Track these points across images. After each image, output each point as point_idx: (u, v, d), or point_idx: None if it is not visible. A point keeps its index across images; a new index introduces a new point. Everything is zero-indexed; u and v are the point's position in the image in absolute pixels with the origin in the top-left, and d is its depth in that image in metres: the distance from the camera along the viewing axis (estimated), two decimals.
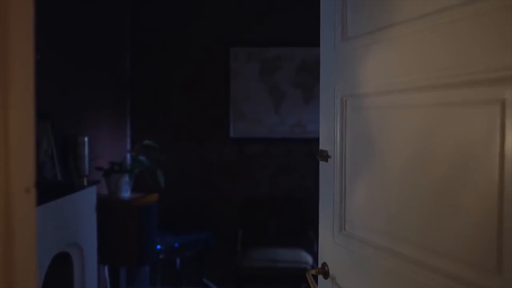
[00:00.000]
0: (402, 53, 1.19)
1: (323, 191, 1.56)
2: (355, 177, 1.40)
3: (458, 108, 1.03)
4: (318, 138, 1.58)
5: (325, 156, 1.51)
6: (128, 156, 4.15)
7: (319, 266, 1.54)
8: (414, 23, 1.14)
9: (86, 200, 3.17)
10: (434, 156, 1.09)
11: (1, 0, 0.60)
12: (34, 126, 0.71)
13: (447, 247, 1.05)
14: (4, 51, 0.63)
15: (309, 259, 3.87)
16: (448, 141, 1.05)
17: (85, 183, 3.11)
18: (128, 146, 4.51)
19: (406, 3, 1.18)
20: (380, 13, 1.28)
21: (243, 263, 3.86)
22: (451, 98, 1.04)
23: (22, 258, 0.69)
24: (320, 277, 1.52)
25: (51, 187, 2.74)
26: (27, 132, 0.70)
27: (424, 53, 1.11)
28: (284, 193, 4.57)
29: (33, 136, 0.72)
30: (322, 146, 1.55)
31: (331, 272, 1.49)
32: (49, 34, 2.87)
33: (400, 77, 1.20)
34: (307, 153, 4.45)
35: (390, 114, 1.26)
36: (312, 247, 3.89)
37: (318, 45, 1.57)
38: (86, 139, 3.17)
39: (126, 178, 3.49)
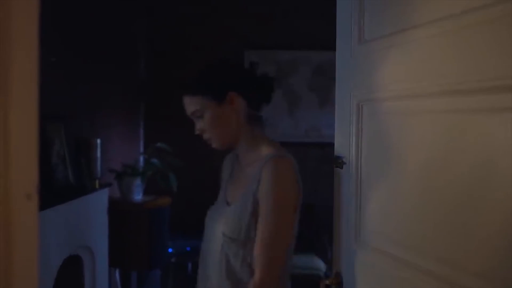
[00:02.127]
0: (420, 57, 1.14)
1: (338, 198, 1.51)
2: (371, 184, 1.35)
3: (479, 115, 0.98)
4: (334, 142, 1.54)
5: (340, 163, 1.47)
6: (141, 158, 4.13)
7: (333, 275, 1.49)
8: (431, 27, 1.10)
9: (98, 203, 3.15)
10: (453, 165, 1.04)
11: None
12: (38, 129, 0.67)
13: (465, 260, 1.00)
14: (5, 49, 0.60)
15: (322, 265, 3.81)
16: (468, 150, 1.00)
17: (97, 185, 3.09)
18: (141, 149, 4.49)
19: (424, 5, 1.14)
20: (398, 16, 1.23)
21: None
22: (472, 105, 1.00)
23: (22, 270, 0.65)
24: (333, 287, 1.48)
25: (62, 189, 2.72)
26: (30, 135, 0.66)
27: (442, 57, 1.07)
28: None
29: (36, 139, 0.68)
30: (338, 152, 1.50)
31: (344, 282, 1.44)
32: (63, 36, 2.86)
33: (418, 82, 1.15)
34: (322, 158, 4.39)
35: (407, 120, 1.21)
36: (326, 253, 3.83)
37: (334, 49, 1.53)
38: (98, 141, 3.15)
39: (138, 181, 3.46)
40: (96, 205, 3.11)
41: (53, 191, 2.61)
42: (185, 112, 1.55)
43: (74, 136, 3.02)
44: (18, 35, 0.61)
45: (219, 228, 1.51)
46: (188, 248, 3.92)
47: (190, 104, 1.52)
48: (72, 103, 3.04)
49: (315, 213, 4.32)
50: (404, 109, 1.22)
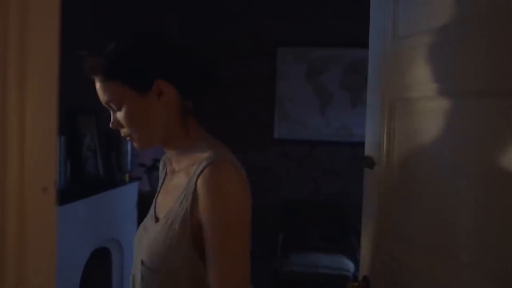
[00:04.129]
0: (456, 55, 1.09)
1: (367, 200, 1.47)
2: (402, 186, 1.30)
3: None
4: (364, 142, 1.49)
5: (371, 163, 1.42)
6: None
7: (360, 279, 1.45)
8: (470, 23, 1.04)
9: (127, 196, 3.18)
10: (491, 169, 0.99)
11: None
12: (57, 121, 0.66)
13: (500, 269, 0.94)
14: (23, 39, 0.58)
15: (351, 266, 3.75)
16: (506, 153, 0.94)
17: (127, 179, 3.12)
18: None
19: (463, 1, 1.08)
20: (435, 11, 1.18)
21: (282, 267, 3.78)
22: (510, 106, 0.93)
23: (38, 264, 0.64)
24: None
25: (92, 182, 2.75)
26: (47, 128, 0.65)
27: (481, 55, 1.01)
28: (327, 197, 4.46)
29: (54, 133, 0.67)
30: (368, 151, 1.46)
31: (372, 287, 1.40)
32: (96, 31, 2.89)
33: (454, 81, 1.10)
34: (352, 157, 4.32)
35: (442, 121, 1.15)
36: (354, 253, 3.76)
37: (367, 46, 1.48)
38: (130, 141, 3.18)
39: None
40: (125, 198, 3.14)
41: (83, 184, 2.64)
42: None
43: (105, 129, 3.05)
44: (37, 26, 0.60)
45: (140, 253, 1.18)
46: None
47: (104, 91, 1.13)
48: None
49: (345, 213, 4.27)
50: (439, 109, 1.16)
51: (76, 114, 2.68)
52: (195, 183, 1.07)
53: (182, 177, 1.16)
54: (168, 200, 1.18)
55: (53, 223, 0.67)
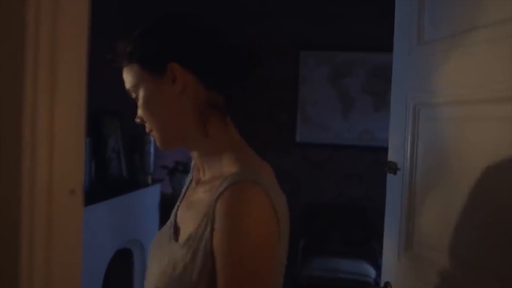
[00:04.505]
0: (483, 60, 1.07)
1: (389, 206, 1.45)
2: (425, 193, 1.29)
3: None
4: (387, 147, 1.48)
5: (394, 168, 1.41)
6: None
7: (382, 285, 1.44)
8: (495, 28, 1.02)
9: (150, 198, 3.21)
10: None
11: None
12: (85, 124, 0.67)
13: None
14: (53, 42, 0.59)
15: (372, 272, 3.72)
16: None
17: (149, 181, 3.15)
18: None
19: (488, 6, 1.07)
20: (460, 16, 1.16)
21: (302, 272, 3.76)
22: None
23: (65, 264, 0.65)
24: None
25: (116, 183, 2.79)
26: (76, 130, 0.66)
27: (506, 60, 0.99)
28: (349, 201, 4.43)
29: (82, 136, 0.68)
30: (391, 157, 1.44)
31: None
32: (122, 34, 2.92)
33: (480, 87, 1.08)
34: (375, 162, 4.29)
35: (467, 127, 1.14)
36: (375, 258, 3.73)
37: (391, 50, 1.47)
38: (152, 138, 3.21)
39: None
40: (147, 200, 3.17)
41: (107, 185, 2.68)
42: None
43: (129, 132, 3.09)
44: (66, 30, 0.61)
45: (153, 277, 0.99)
46: None
47: (126, 77, 1.02)
48: (129, 100, 3.10)
49: (366, 217, 4.23)
50: (464, 115, 1.15)
51: (101, 116, 2.72)
52: (214, 205, 0.89)
53: (206, 192, 0.98)
54: (189, 218, 1.00)
55: (79, 225, 0.68)
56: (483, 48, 1.07)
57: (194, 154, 1.06)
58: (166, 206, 3.40)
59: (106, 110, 2.74)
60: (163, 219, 3.34)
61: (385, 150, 1.48)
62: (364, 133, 4.40)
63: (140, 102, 1.00)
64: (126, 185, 2.88)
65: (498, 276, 1.00)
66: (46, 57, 0.58)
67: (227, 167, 0.95)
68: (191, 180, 1.17)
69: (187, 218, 1.03)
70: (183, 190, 1.19)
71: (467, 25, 1.13)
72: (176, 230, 1.05)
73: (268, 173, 0.96)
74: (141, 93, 0.99)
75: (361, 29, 4.34)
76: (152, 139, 3.19)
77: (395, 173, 1.41)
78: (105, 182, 2.68)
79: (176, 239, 1.01)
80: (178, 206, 1.14)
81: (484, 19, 1.08)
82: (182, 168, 3.50)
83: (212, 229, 0.89)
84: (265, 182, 0.89)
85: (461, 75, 1.16)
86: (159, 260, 1.00)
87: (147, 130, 1.03)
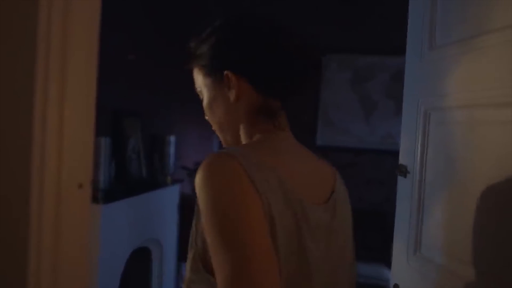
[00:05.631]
0: (493, 64, 1.07)
1: (399, 209, 1.46)
2: (434, 196, 1.29)
3: None
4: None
5: (404, 171, 1.42)
6: None
7: (391, 287, 1.44)
8: (506, 33, 1.03)
9: (169, 198, 3.25)
10: None
11: None
12: (94, 120, 0.70)
13: None
14: (63, 41, 0.62)
15: (390, 276, 3.69)
16: None
17: (169, 181, 3.19)
18: (215, 147, 4.58)
19: (499, 10, 1.07)
20: (471, 21, 1.17)
21: None
22: None
23: (72, 256, 0.68)
24: None
25: (135, 183, 2.84)
26: (85, 125, 0.69)
27: None
28: (369, 206, 4.41)
29: (92, 131, 0.70)
30: (402, 160, 1.45)
31: None
32: (142, 36, 2.98)
33: (490, 91, 1.08)
34: (396, 167, 4.26)
35: (478, 131, 1.14)
36: None
37: None
38: (173, 138, 3.25)
39: None
40: (167, 200, 3.21)
41: (127, 184, 2.73)
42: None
43: (150, 132, 3.14)
44: (76, 32, 0.64)
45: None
46: None
47: (195, 78, 1.06)
48: (150, 101, 3.16)
49: (387, 222, 4.20)
50: (474, 119, 1.15)
51: (122, 116, 2.77)
52: None
53: None
54: None
55: (87, 218, 0.71)
56: (494, 52, 1.08)
57: None
58: (186, 207, 3.44)
59: (127, 110, 2.80)
60: (183, 220, 3.38)
61: None
62: (386, 137, 4.37)
63: (204, 104, 1.04)
64: (146, 184, 2.93)
65: (507, 280, 1.00)
66: (57, 53, 0.60)
67: None
68: None
69: None
70: None
71: (478, 30, 1.14)
72: None
73: (270, 161, 0.88)
74: (205, 96, 1.03)
75: (383, 33, 4.32)
76: (172, 139, 3.23)
77: (405, 176, 1.41)
78: (125, 182, 2.73)
79: None
80: None
81: (495, 24, 1.08)
82: None
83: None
84: (244, 157, 0.84)
85: (471, 79, 1.16)
86: None
87: (214, 128, 1.06)
